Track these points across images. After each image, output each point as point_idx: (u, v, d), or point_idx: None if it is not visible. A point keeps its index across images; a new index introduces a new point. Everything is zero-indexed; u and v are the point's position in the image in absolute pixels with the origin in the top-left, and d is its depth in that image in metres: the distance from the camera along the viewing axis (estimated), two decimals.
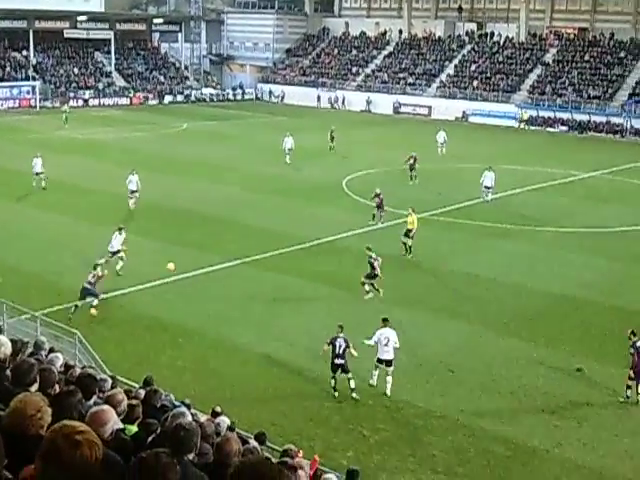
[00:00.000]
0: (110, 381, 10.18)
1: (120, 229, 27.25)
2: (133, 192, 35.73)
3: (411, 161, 43.09)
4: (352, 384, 18.40)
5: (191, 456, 4.92)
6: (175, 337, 21.67)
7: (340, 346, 18.37)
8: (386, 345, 18.71)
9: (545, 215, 36.88)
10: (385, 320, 19.25)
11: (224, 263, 28.10)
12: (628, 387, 18.72)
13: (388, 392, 18.53)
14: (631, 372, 18.54)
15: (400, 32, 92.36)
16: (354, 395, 18.36)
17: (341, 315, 23.13)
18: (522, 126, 73.57)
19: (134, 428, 6.93)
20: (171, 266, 24.79)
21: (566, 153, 58.43)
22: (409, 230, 29.91)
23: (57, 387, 6.31)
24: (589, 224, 35.64)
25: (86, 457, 3.43)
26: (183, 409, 6.60)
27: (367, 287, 24.88)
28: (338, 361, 18.39)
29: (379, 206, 33.82)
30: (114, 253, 26.61)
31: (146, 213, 35.05)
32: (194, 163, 47.75)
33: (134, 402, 7.53)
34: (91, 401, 6.58)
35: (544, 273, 28.45)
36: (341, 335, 18.54)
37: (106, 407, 5.35)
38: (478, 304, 25.06)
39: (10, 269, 26.69)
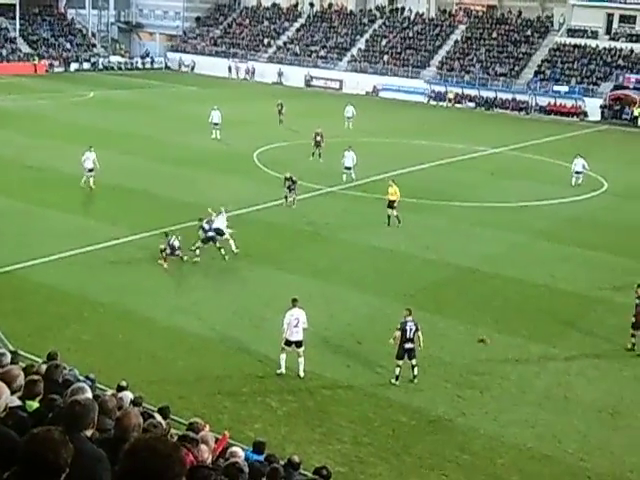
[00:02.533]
0: (9, 356, 9.93)
1: (220, 212, 26.45)
2: (90, 170, 33.43)
3: (318, 138, 42.97)
4: (416, 371, 18.26)
5: (89, 432, 4.88)
6: (81, 310, 21.33)
7: (411, 329, 18.13)
8: (296, 326, 18.25)
9: (450, 190, 37.55)
10: (294, 300, 18.77)
11: (132, 235, 27.71)
12: (632, 335, 20.68)
13: (301, 373, 18.26)
14: (633, 318, 20.70)
15: (311, 5, 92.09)
16: (416, 381, 18.20)
17: (252, 288, 23.22)
18: (449, 105, 74.05)
19: (35, 404, 6.81)
20: None
21: (472, 129, 59.52)
22: (392, 201, 30.68)
23: None
24: (492, 199, 36.52)
25: None
26: (82, 384, 6.51)
27: None
28: (408, 345, 18.06)
29: (290, 188, 33.10)
30: (218, 233, 25.84)
31: (52, 183, 34.21)
32: (101, 132, 46.67)
33: (35, 377, 7.37)
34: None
35: (449, 246, 29.05)
36: (409, 318, 18.27)
37: None
38: (385, 276, 25.46)
39: None
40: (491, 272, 26.50)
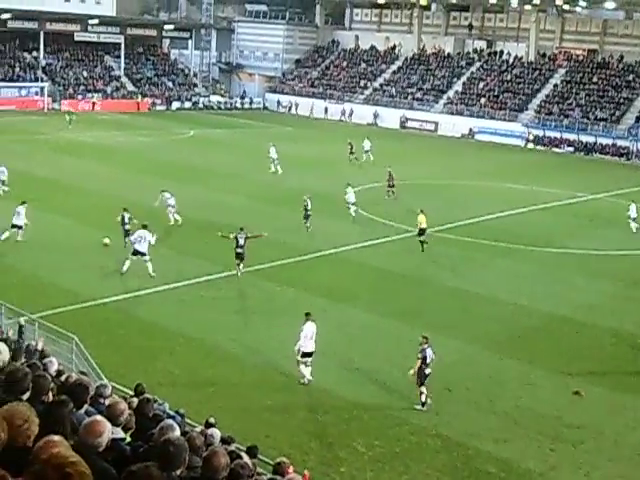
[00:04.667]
0: (110, 387, 10.14)
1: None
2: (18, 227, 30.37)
3: (390, 178, 42.99)
4: (423, 398, 18.57)
5: (179, 471, 4.90)
6: (171, 344, 21.65)
7: (430, 356, 18.66)
8: (311, 338, 19.38)
9: (547, 235, 36.83)
10: (308, 314, 19.93)
11: (223, 272, 28.08)
12: None
13: (312, 377, 19.33)
14: None
15: (410, 48, 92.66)
16: (424, 409, 18.49)
17: (338, 327, 23.17)
18: (529, 145, 73.60)
19: (127, 438, 6.90)
20: (107, 241, 28.76)
21: (571, 174, 58.40)
22: (422, 229, 32.38)
23: (50, 395, 6.29)
24: (591, 246, 35.58)
25: None
26: (172, 422, 6.56)
27: None
28: (428, 371, 18.61)
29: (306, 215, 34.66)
30: None
31: (146, 219, 35.07)
32: (200, 170, 47.82)
33: (129, 411, 7.50)
34: (82, 410, 6.55)
35: (543, 293, 28.39)
36: (426, 345, 18.77)
37: (100, 418, 5.31)
38: (476, 322, 25.00)
39: (9, 270, 26.76)
40: (587, 322, 25.73)
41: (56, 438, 3.88)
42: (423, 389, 18.50)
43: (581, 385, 20.44)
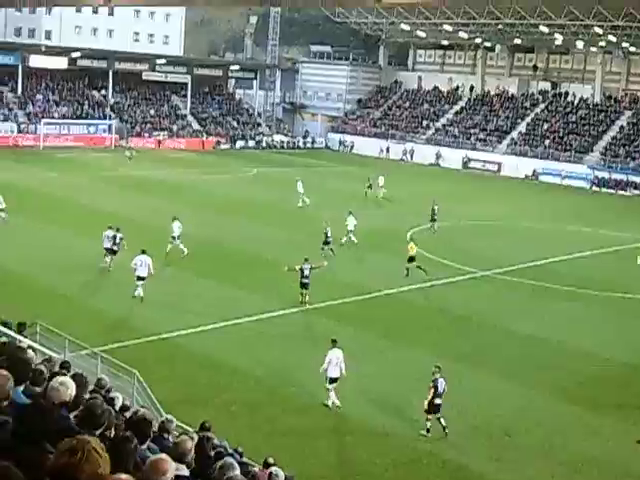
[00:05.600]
0: (175, 422, 10.23)
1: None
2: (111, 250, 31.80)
3: (433, 212, 44.36)
4: (444, 422, 18.90)
5: None
6: (231, 381, 21.73)
7: (442, 385, 18.98)
8: (336, 364, 20.24)
9: (613, 279, 36.11)
10: (334, 341, 20.73)
11: (282, 309, 28.17)
12: None
13: (337, 402, 19.94)
14: None
15: (472, 88, 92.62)
16: (447, 431, 18.82)
17: (395, 370, 22.99)
18: (594, 188, 72.77)
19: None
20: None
21: (637, 218, 57.32)
22: (411, 257, 33.40)
23: (113, 430, 6.38)
24: None
25: None
26: (232, 461, 6.58)
27: None
28: (437, 401, 18.86)
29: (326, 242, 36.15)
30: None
31: (208, 254, 35.49)
32: (261, 207, 48.39)
33: None
34: (144, 445, 6.62)
35: (608, 339, 27.79)
36: (438, 375, 19.10)
37: (164, 456, 5.37)
38: (538, 367, 24.54)
39: (74, 304, 27.28)
40: None
41: (124, 477, 3.92)
42: (430, 417, 18.86)
43: None
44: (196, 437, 9.41)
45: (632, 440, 19.60)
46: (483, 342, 26.77)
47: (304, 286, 28.73)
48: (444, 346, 25.47)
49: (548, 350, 26.27)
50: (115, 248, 31.46)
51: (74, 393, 6.10)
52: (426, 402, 18.93)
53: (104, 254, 31.75)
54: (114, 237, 31.57)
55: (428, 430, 18.85)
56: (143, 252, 28.81)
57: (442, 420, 18.89)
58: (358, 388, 21.30)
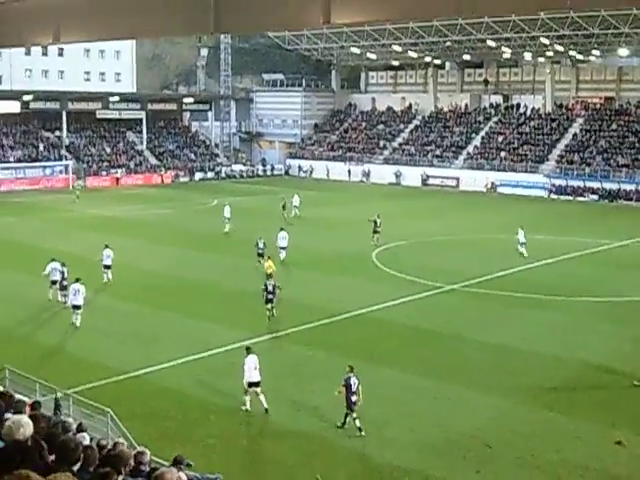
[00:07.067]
0: (148, 453, 10.10)
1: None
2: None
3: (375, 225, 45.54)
4: (358, 423, 19.65)
5: None
6: (205, 414, 21.46)
7: (354, 384, 20.02)
8: (255, 369, 21.37)
9: (577, 285, 36.47)
10: (248, 348, 22.19)
11: (253, 338, 27.95)
12: None
13: (266, 405, 21.10)
14: None
15: (426, 106, 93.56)
16: (362, 433, 19.53)
17: (372, 390, 22.89)
18: (552, 196, 73.66)
19: None
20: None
21: (596, 222, 58.13)
22: (270, 275, 32.49)
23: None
24: (621, 293, 35.16)
25: None
26: None
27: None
28: (354, 398, 19.89)
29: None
30: None
31: (171, 288, 35.21)
32: (221, 238, 48.13)
33: None
34: (120, 477, 6.50)
35: (577, 343, 27.98)
36: (352, 374, 20.14)
37: (166, 469, 5.27)
38: (512, 376, 24.60)
39: (42, 346, 26.85)
40: (625, 371, 25.21)
41: None
42: (355, 415, 19.74)
43: (624, 435, 19.96)
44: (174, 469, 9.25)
45: (610, 442, 19.67)
46: (454, 355, 26.78)
47: (269, 301, 30.08)
48: (417, 362, 25.43)
49: (520, 358, 26.36)
50: (65, 283, 31.72)
51: (29, 433, 5.93)
52: (337, 393, 20.12)
53: (50, 286, 32.45)
54: (62, 273, 32.06)
55: (343, 424, 19.93)
56: (77, 280, 29.30)
57: (357, 421, 19.70)
58: (340, 411, 21.15)
